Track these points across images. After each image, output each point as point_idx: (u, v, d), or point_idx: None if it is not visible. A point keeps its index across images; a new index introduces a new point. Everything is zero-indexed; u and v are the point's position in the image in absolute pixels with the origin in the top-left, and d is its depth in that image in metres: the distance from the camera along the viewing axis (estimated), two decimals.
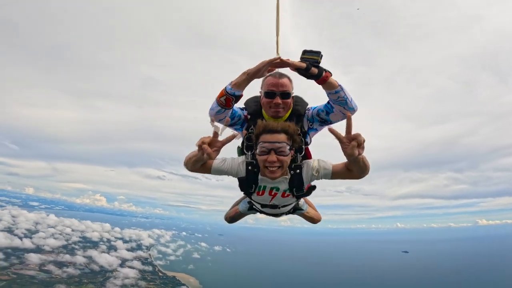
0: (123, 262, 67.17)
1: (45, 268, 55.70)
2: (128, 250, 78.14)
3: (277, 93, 2.52)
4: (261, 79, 2.58)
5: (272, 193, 2.63)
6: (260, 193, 2.64)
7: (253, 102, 2.80)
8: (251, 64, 2.35)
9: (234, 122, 2.74)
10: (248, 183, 2.57)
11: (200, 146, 2.18)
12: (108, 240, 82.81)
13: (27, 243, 64.77)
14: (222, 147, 2.25)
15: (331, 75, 2.34)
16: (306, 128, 2.75)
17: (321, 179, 2.54)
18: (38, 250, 63.45)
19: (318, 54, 2.32)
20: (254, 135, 2.38)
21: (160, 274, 67.69)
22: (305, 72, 2.29)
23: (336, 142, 2.18)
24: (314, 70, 2.28)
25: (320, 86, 2.40)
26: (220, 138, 2.30)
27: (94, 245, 76.00)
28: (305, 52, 2.34)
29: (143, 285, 58.13)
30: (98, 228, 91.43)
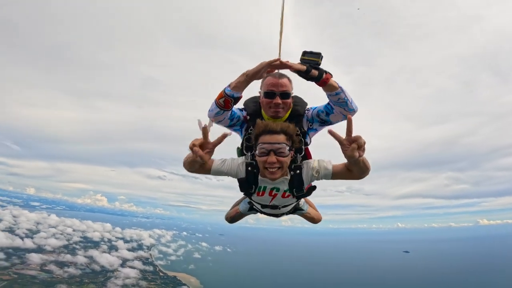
0: (124, 262, 67.26)
1: (46, 268, 55.79)
2: (129, 250, 78.27)
3: (277, 93, 2.50)
4: (259, 80, 2.55)
5: (272, 194, 2.61)
6: (260, 194, 2.62)
7: (252, 103, 2.78)
8: (251, 64, 2.32)
9: (233, 123, 2.72)
10: (248, 184, 2.55)
11: (191, 149, 2.16)
12: (109, 240, 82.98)
13: (28, 243, 64.92)
14: (214, 148, 2.22)
15: (332, 77, 2.32)
16: (305, 129, 2.73)
17: (321, 179, 2.52)
18: (39, 250, 63.58)
19: (318, 55, 2.29)
20: (254, 136, 2.36)
21: (161, 274, 67.75)
22: (305, 75, 2.27)
23: (336, 142, 2.16)
24: (314, 73, 2.26)
25: (320, 88, 2.37)
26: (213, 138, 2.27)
27: (95, 245, 76.14)
28: (305, 53, 2.31)
29: (144, 285, 58.20)
30: (99, 228, 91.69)
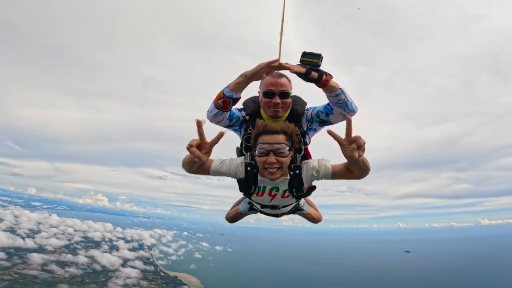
0: (125, 262, 67.31)
1: (48, 268, 55.85)
2: (130, 250, 78.34)
3: (276, 92, 2.48)
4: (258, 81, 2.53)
5: (272, 194, 2.60)
6: (259, 194, 2.60)
7: (252, 103, 2.76)
8: (251, 64, 2.29)
9: (232, 124, 2.70)
10: (247, 184, 2.53)
11: (189, 150, 2.14)
12: (110, 240, 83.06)
13: (29, 243, 65.05)
14: (211, 148, 2.20)
15: (332, 78, 2.29)
16: (305, 128, 2.71)
17: (321, 179, 2.50)
18: (40, 250, 63.69)
19: (318, 57, 2.25)
20: (253, 136, 2.33)
21: (162, 274, 67.76)
22: (305, 77, 2.25)
23: (336, 142, 2.13)
24: (314, 74, 2.23)
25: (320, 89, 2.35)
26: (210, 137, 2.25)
27: (96, 245, 76.22)
28: (305, 54, 2.28)
29: (145, 284, 58.22)
30: (100, 228, 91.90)
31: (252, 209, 3.37)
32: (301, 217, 3.67)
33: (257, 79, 2.33)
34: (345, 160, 2.25)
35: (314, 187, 2.78)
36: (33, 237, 68.82)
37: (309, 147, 2.82)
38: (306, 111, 2.72)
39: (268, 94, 2.51)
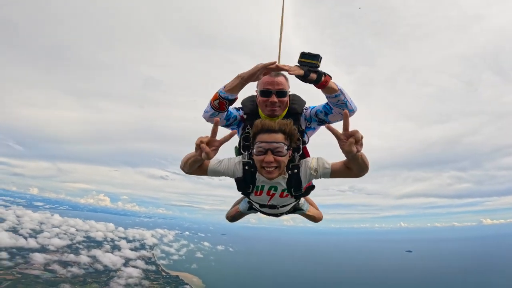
0: (127, 262, 67.47)
1: (50, 267, 56.05)
2: (131, 249, 78.49)
3: (273, 91, 2.47)
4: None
5: (270, 193, 2.58)
6: (258, 193, 2.59)
7: (249, 102, 2.75)
8: (251, 64, 2.27)
9: (229, 123, 2.70)
10: (245, 183, 2.52)
11: (198, 146, 2.12)
12: (112, 240, 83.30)
13: (32, 242, 65.30)
14: (220, 146, 2.18)
15: (331, 79, 2.27)
16: (303, 127, 2.70)
17: (320, 178, 2.48)
18: (42, 249, 63.90)
19: (317, 57, 2.23)
20: (251, 135, 2.33)
21: (164, 273, 67.91)
22: (303, 78, 2.23)
23: (334, 141, 2.12)
24: (313, 76, 2.21)
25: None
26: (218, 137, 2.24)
27: (98, 244, 76.42)
28: (303, 55, 2.25)
29: (147, 284, 58.36)
30: (102, 227, 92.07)
31: (251, 209, 3.37)
32: (302, 217, 3.67)
33: (254, 81, 2.31)
34: (344, 158, 2.23)
35: (313, 187, 2.78)
36: (35, 237, 69.11)
37: (308, 146, 2.81)
38: (304, 110, 2.70)
39: (265, 93, 2.50)
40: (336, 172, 2.38)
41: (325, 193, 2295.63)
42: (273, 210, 2.94)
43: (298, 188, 2.50)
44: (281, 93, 2.50)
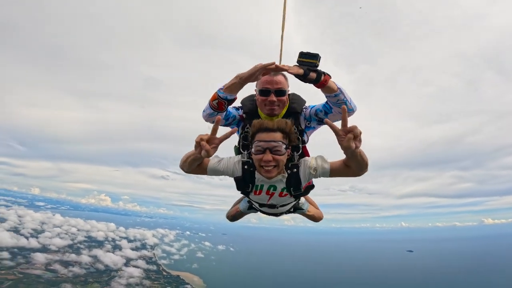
0: (128, 261, 67.57)
1: (51, 267, 56.18)
2: (132, 249, 78.66)
3: (272, 90, 2.46)
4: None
5: (270, 193, 2.57)
6: (257, 193, 2.58)
7: (249, 101, 2.74)
8: (251, 64, 2.25)
9: (228, 123, 2.70)
10: (244, 183, 2.51)
11: (198, 143, 2.12)
12: (113, 240, 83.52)
13: (33, 242, 65.49)
14: (220, 143, 2.17)
15: (330, 78, 2.26)
16: (303, 127, 2.68)
17: (319, 177, 2.46)
18: (44, 249, 64.07)
19: (316, 57, 2.22)
20: (250, 134, 2.32)
21: (164, 273, 68.00)
22: (303, 78, 2.22)
23: (335, 140, 2.11)
24: (313, 75, 2.21)
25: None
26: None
27: (99, 244, 76.60)
28: (302, 54, 2.25)
29: (148, 284, 58.42)
30: (103, 227, 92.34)
31: (251, 208, 3.36)
32: (303, 217, 3.66)
33: (252, 81, 2.30)
34: (343, 157, 2.22)
35: (312, 186, 2.77)
36: (36, 237, 69.31)
37: (308, 146, 2.80)
38: (304, 109, 2.69)
39: (263, 92, 2.49)
40: (336, 170, 2.36)
41: (326, 192, 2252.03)
42: (272, 210, 2.93)
43: (297, 187, 2.49)
44: (280, 92, 2.49)
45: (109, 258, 65.90)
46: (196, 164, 2.36)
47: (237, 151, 2.78)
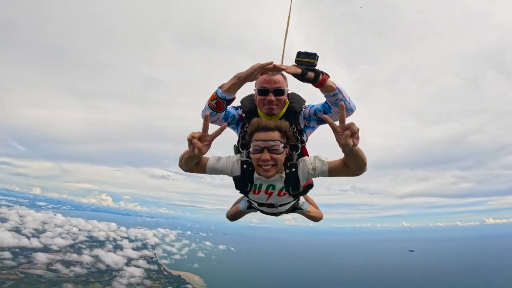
0: (129, 261, 67.69)
1: (53, 267, 56.32)
2: (133, 249, 78.84)
3: (270, 90, 2.46)
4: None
5: (268, 192, 2.57)
6: (256, 192, 2.58)
7: (248, 101, 2.75)
8: (251, 64, 2.25)
9: (228, 122, 2.69)
10: (243, 182, 2.51)
11: (190, 141, 2.12)
12: (114, 240, 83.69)
13: (34, 242, 65.65)
14: (212, 140, 2.18)
15: (329, 77, 2.26)
16: (302, 126, 2.67)
17: (318, 176, 2.45)
18: (45, 249, 64.23)
19: (314, 56, 2.21)
20: (248, 133, 2.33)
21: (165, 273, 68.10)
22: (301, 77, 2.22)
23: (334, 139, 2.10)
24: (311, 75, 2.20)
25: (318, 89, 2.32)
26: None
27: (101, 244, 76.78)
28: (300, 54, 2.24)
29: (149, 283, 58.50)
30: (104, 227, 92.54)
31: (251, 207, 3.36)
32: (304, 217, 3.67)
33: (251, 81, 2.29)
34: (342, 156, 2.22)
35: (311, 186, 2.78)
36: (38, 237, 69.48)
37: (307, 146, 2.79)
38: (303, 108, 2.68)
39: (262, 91, 2.49)
40: (334, 170, 2.36)
41: (327, 192, 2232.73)
42: (271, 209, 2.93)
43: (296, 187, 2.48)
44: (279, 91, 2.48)
45: (110, 258, 66.04)
46: (192, 162, 2.36)
47: (237, 150, 2.77)
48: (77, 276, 55.11)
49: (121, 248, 76.11)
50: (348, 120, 2.05)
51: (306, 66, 2.21)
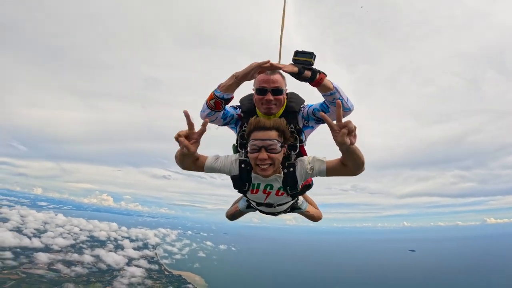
0: (130, 261, 67.80)
1: (54, 267, 56.45)
2: (134, 249, 78.93)
3: (268, 89, 2.46)
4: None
5: (266, 192, 2.57)
6: (254, 192, 2.59)
7: (247, 100, 2.75)
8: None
9: (227, 122, 2.70)
10: (241, 181, 2.52)
11: (177, 139, 2.12)
12: (115, 239, 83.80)
13: (36, 242, 65.80)
14: (199, 137, 2.17)
15: (326, 76, 2.26)
16: (300, 126, 2.67)
17: (316, 176, 2.45)
18: (46, 249, 64.39)
19: (311, 55, 2.23)
20: (246, 133, 2.33)
21: (166, 272, 68.18)
22: (297, 76, 2.23)
23: (332, 139, 2.09)
24: (307, 73, 2.21)
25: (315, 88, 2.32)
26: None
27: (102, 244, 76.90)
28: (297, 53, 2.26)
29: (150, 283, 58.56)
30: (105, 227, 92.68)
31: (250, 207, 3.35)
32: (303, 216, 3.67)
33: (249, 80, 2.30)
34: (340, 155, 2.22)
35: (309, 186, 2.78)
36: (39, 237, 69.65)
37: (307, 146, 2.79)
38: (302, 108, 2.68)
39: (260, 91, 2.49)
40: (332, 169, 2.35)
41: (327, 192, 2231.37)
42: (270, 209, 2.93)
43: (293, 186, 2.48)
44: (277, 91, 2.48)
45: (111, 258, 66.14)
46: (188, 160, 2.37)
47: (235, 150, 2.78)
48: (78, 276, 55.22)
49: (122, 248, 76.23)
50: (347, 120, 2.04)
51: (303, 65, 2.22)
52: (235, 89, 2.35)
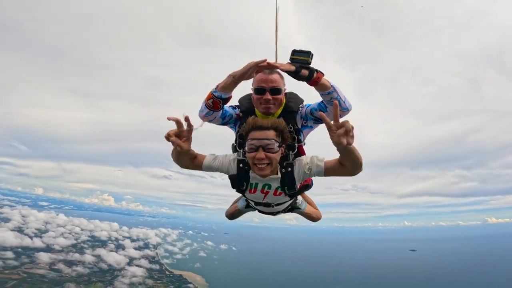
0: (131, 261, 67.85)
1: (55, 267, 56.54)
2: (135, 249, 78.93)
3: (267, 89, 2.45)
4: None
5: (264, 191, 2.57)
6: (252, 191, 2.59)
7: (246, 100, 2.75)
8: None
9: (225, 122, 2.71)
10: (239, 181, 2.52)
11: (168, 139, 2.12)
12: (116, 239, 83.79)
13: (37, 242, 65.90)
14: (189, 135, 2.16)
15: (323, 76, 2.26)
16: (299, 126, 2.67)
17: (314, 176, 2.44)
18: (48, 249, 64.46)
19: (308, 54, 2.22)
20: (244, 132, 2.33)
21: (167, 272, 68.24)
22: (295, 75, 2.23)
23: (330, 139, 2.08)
24: (305, 72, 2.21)
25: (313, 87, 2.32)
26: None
27: (103, 244, 76.94)
28: (294, 52, 2.25)
29: (150, 283, 58.63)
30: (106, 227, 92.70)
31: (249, 207, 3.36)
32: (302, 216, 3.68)
33: (246, 79, 2.30)
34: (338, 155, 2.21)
35: (307, 185, 2.79)
36: (40, 237, 69.76)
37: (305, 146, 2.79)
38: (300, 108, 2.67)
39: (259, 90, 2.49)
40: (330, 169, 2.34)
41: (328, 192, 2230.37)
42: (268, 209, 2.94)
43: (291, 186, 2.48)
44: (275, 90, 2.47)
45: (113, 258, 66.21)
46: (184, 158, 2.38)
47: (234, 149, 2.79)
48: (79, 275, 55.29)
49: (123, 248, 76.26)
50: (344, 120, 2.04)
51: (301, 63, 2.22)
52: (233, 89, 2.35)
